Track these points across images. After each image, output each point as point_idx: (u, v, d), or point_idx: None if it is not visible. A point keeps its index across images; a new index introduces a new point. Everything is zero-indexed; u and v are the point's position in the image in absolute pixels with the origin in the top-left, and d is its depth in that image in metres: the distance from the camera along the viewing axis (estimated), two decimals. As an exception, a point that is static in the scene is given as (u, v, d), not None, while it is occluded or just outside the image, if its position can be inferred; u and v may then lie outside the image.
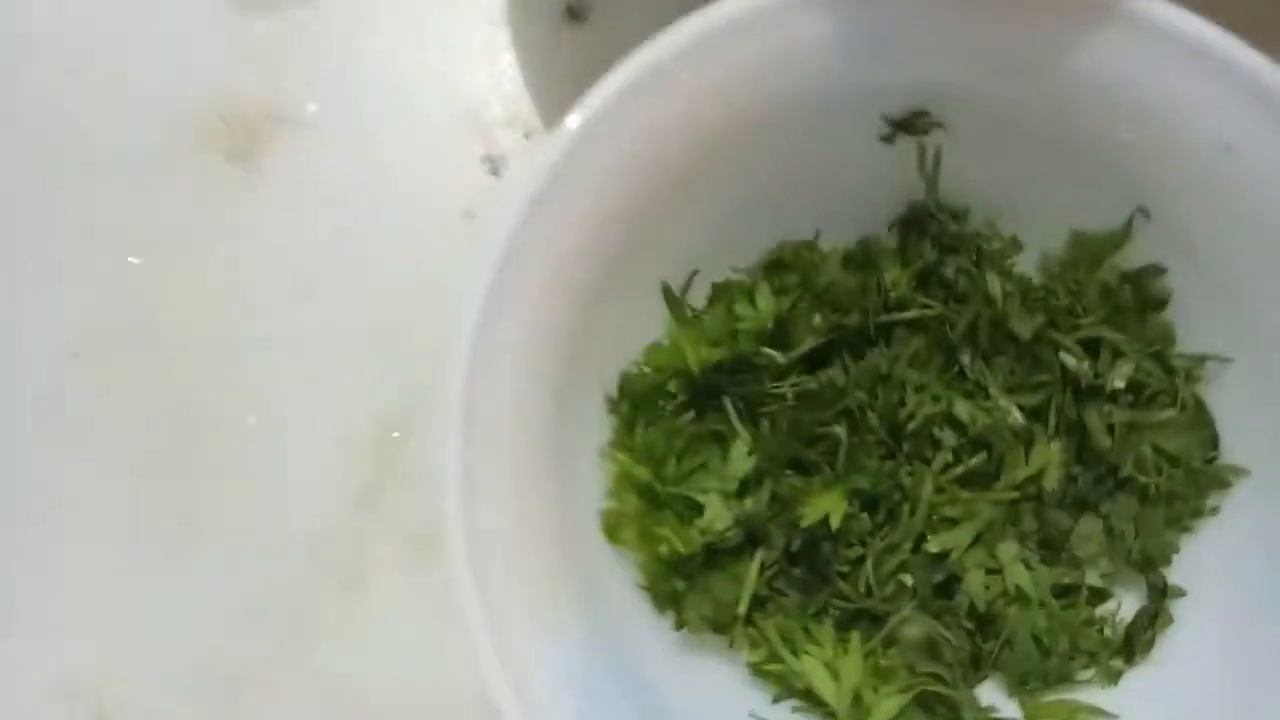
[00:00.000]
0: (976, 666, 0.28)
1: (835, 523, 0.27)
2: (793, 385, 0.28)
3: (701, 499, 0.27)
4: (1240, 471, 0.28)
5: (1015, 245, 0.30)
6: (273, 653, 0.31)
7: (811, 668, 0.26)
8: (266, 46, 0.34)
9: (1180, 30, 0.25)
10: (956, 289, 0.30)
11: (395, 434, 0.32)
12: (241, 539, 0.31)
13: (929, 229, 0.30)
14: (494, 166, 0.33)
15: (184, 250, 0.33)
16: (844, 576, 0.28)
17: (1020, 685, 0.28)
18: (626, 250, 0.27)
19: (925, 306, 0.29)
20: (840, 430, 0.28)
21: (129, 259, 0.33)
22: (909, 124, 0.28)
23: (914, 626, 0.28)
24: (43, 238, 0.34)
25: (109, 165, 0.34)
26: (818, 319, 0.29)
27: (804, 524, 0.27)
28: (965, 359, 0.29)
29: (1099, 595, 0.29)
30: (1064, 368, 0.29)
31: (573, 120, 0.25)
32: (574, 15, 0.35)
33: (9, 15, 0.36)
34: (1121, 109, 0.27)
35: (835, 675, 0.26)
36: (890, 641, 0.28)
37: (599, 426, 0.28)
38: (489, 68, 0.35)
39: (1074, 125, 0.28)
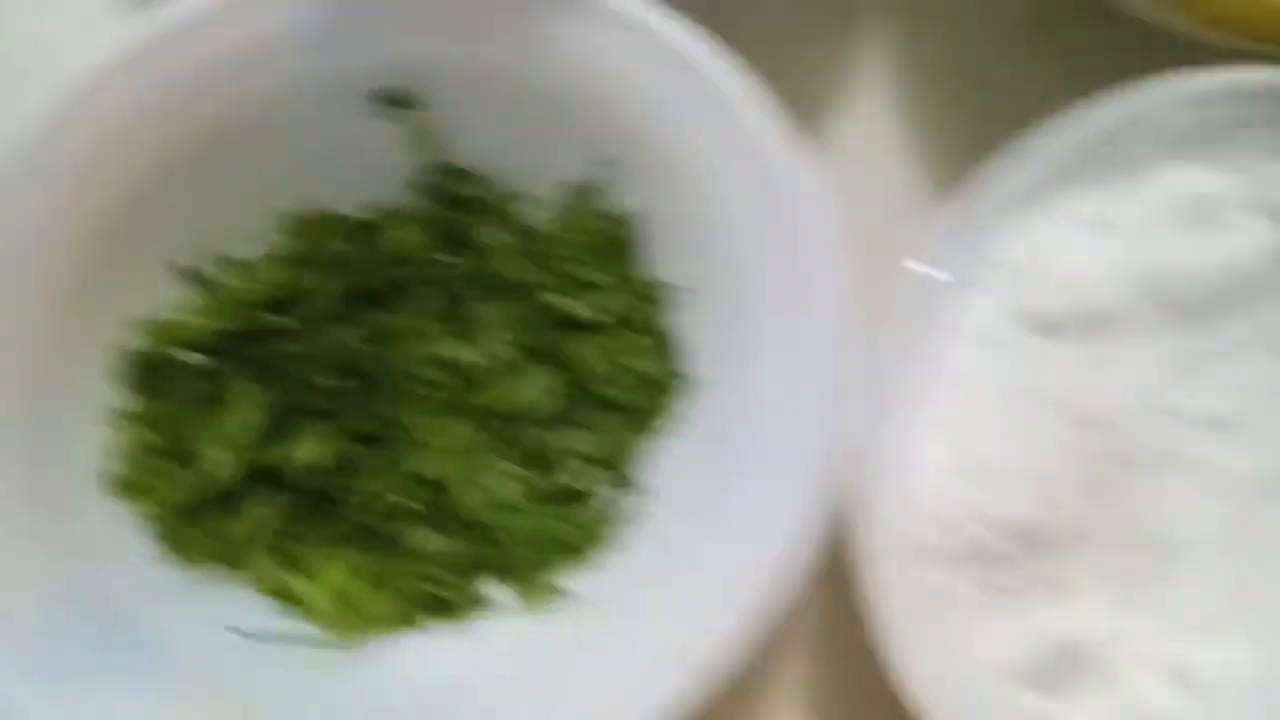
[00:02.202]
0: (481, 569, 0.32)
1: (329, 461, 0.30)
2: (298, 343, 0.31)
3: (209, 450, 0.30)
4: (700, 384, 0.32)
5: (515, 197, 0.33)
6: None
7: (307, 588, 0.30)
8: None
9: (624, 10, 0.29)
10: (465, 242, 0.33)
11: None
12: None
13: (436, 189, 0.33)
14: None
15: None
16: (350, 503, 0.31)
17: (518, 580, 0.31)
18: (132, 220, 0.30)
19: (432, 262, 0.33)
20: (343, 382, 0.31)
21: None
22: (397, 98, 0.32)
23: (420, 541, 0.32)
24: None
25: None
26: (326, 281, 0.32)
27: (304, 462, 0.30)
28: (466, 306, 0.33)
29: (581, 497, 0.32)
30: (553, 305, 0.33)
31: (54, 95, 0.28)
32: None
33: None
34: (584, 74, 0.31)
35: (331, 590, 0.30)
36: (399, 556, 0.32)
37: (103, 386, 0.30)
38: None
39: (547, 87, 0.31)
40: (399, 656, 0.30)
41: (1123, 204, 0.31)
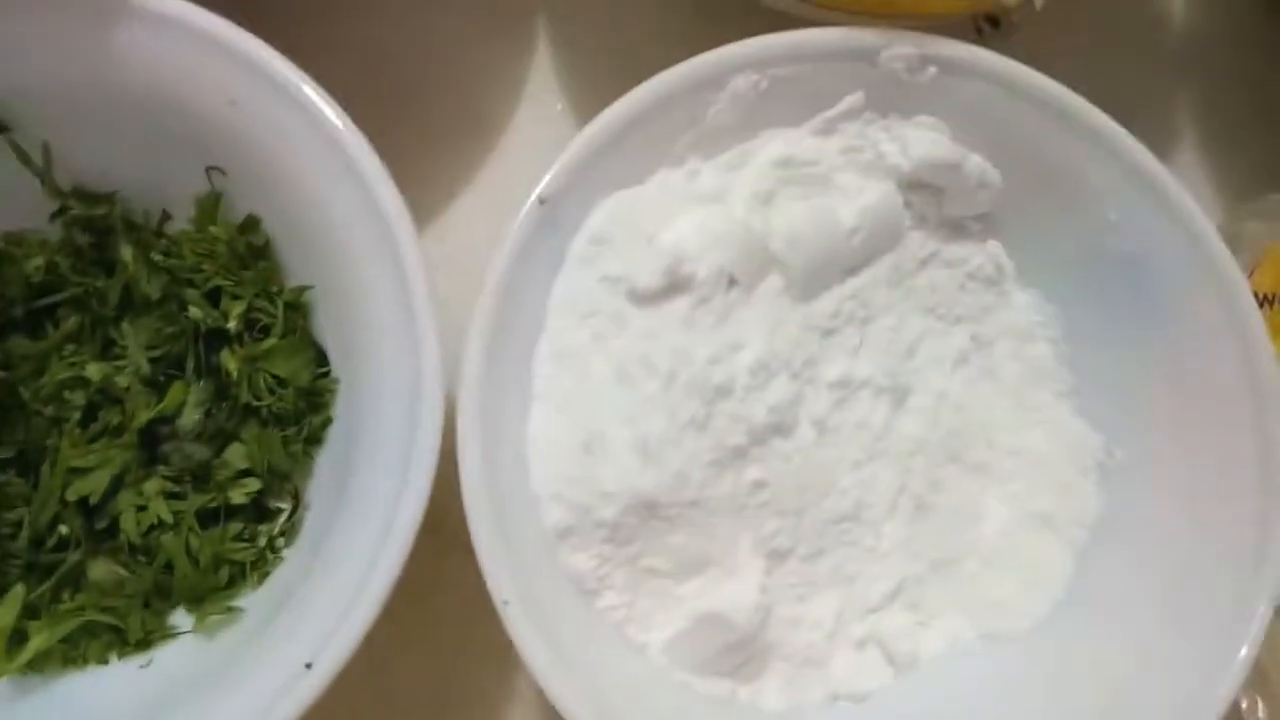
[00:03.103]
0: (166, 596, 0.32)
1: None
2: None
3: None
4: (336, 382, 0.33)
5: (153, 216, 0.34)
6: None
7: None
8: None
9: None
10: (103, 262, 0.33)
11: None
12: None
13: (72, 216, 0.33)
14: None
15: None
16: (13, 537, 0.32)
17: (195, 603, 0.32)
18: None
19: (71, 285, 0.33)
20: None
21: None
22: (-5, 123, 0.31)
23: (97, 569, 0.32)
24: None
25: None
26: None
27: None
28: (111, 326, 0.33)
29: (261, 511, 0.33)
30: (197, 319, 0.33)
31: None
32: None
33: None
34: (167, 83, 0.30)
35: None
36: (78, 587, 0.32)
37: None
38: None
39: (134, 99, 0.31)
40: (71, 690, 0.31)
41: (726, 174, 0.31)
